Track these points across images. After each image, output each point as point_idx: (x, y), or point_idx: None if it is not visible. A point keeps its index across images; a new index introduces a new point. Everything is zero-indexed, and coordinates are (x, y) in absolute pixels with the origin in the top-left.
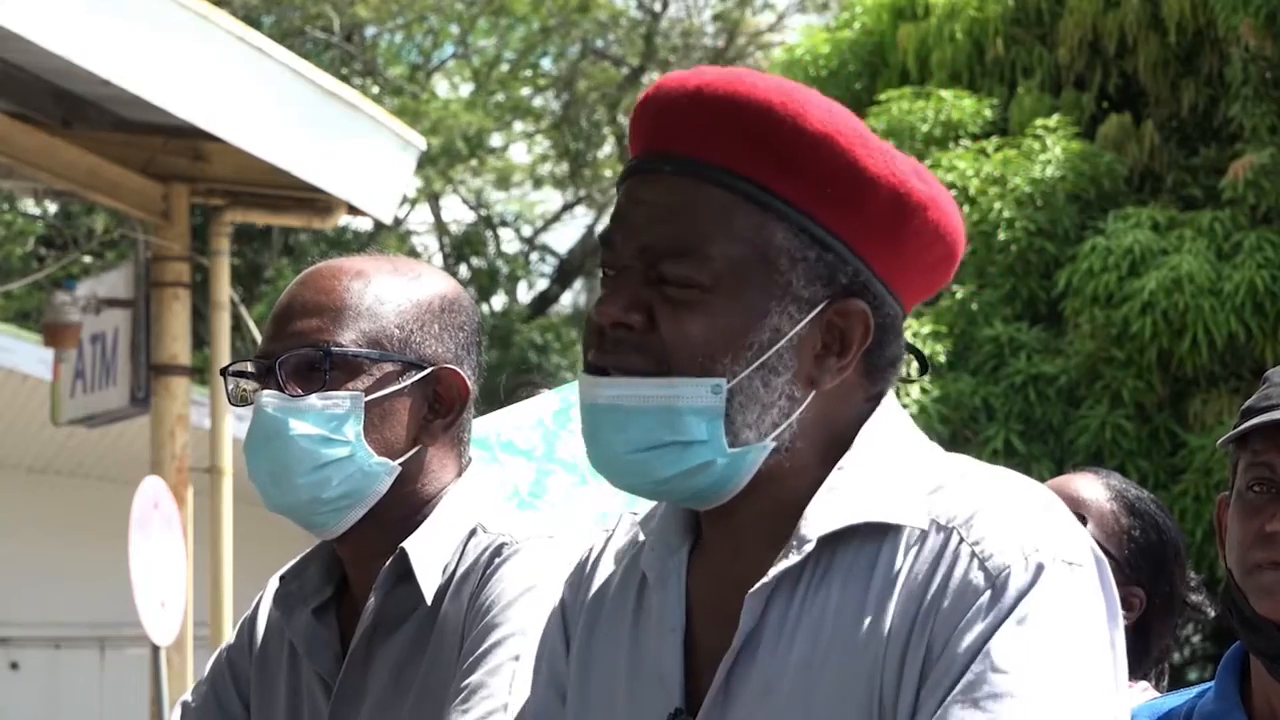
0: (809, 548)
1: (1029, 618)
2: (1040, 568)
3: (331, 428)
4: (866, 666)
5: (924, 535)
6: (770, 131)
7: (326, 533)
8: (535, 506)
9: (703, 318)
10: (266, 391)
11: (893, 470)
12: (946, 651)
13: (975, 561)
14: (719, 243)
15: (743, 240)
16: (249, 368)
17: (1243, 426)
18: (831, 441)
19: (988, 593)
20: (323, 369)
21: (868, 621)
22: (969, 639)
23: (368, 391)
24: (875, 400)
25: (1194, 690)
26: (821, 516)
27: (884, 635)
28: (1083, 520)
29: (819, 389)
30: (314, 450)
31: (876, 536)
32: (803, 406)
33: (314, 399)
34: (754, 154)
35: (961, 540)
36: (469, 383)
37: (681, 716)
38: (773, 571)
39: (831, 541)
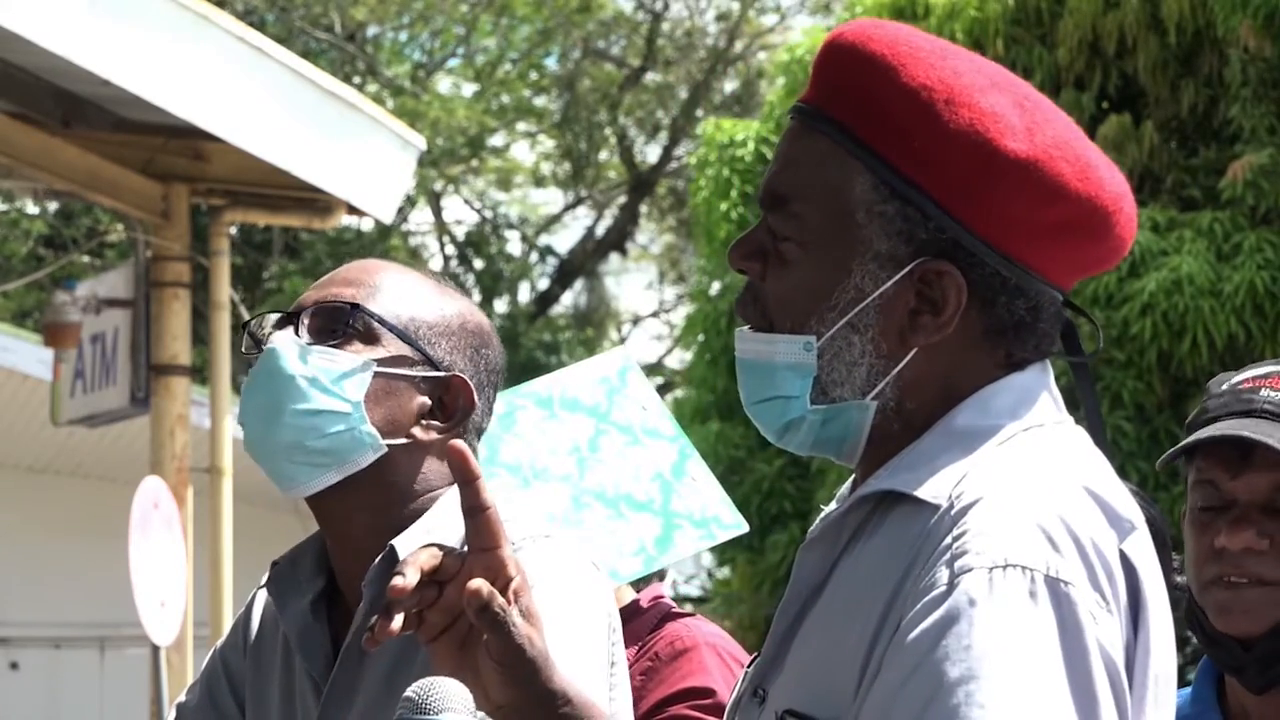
0: (845, 505)
1: (972, 636)
2: (996, 582)
3: (334, 379)
4: (866, 631)
5: (940, 513)
6: (870, 82)
7: (297, 489)
8: None
9: (793, 274)
10: (284, 333)
11: (969, 441)
12: (894, 643)
13: (948, 556)
14: (809, 194)
15: (828, 191)
16: (271, 320)
17: (1182, 444)
18: (949, 408)
19: (940, 591)
20: (345, 326)
21: (878, 589)
22: (911, 637)
23: (380, 364)
24: (1009, 368)
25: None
26: (877, 480)
27: (884, 607)
28: None
29: (916, 346)
30: (311, 393)
31: (914, 506)
32: (901, 364)
33: (325, 348)
34: (852, 103)
35: (952, 528)
36: (476, 400)
37: (755, 659)
38: (820, 527)
39: (885, 504)
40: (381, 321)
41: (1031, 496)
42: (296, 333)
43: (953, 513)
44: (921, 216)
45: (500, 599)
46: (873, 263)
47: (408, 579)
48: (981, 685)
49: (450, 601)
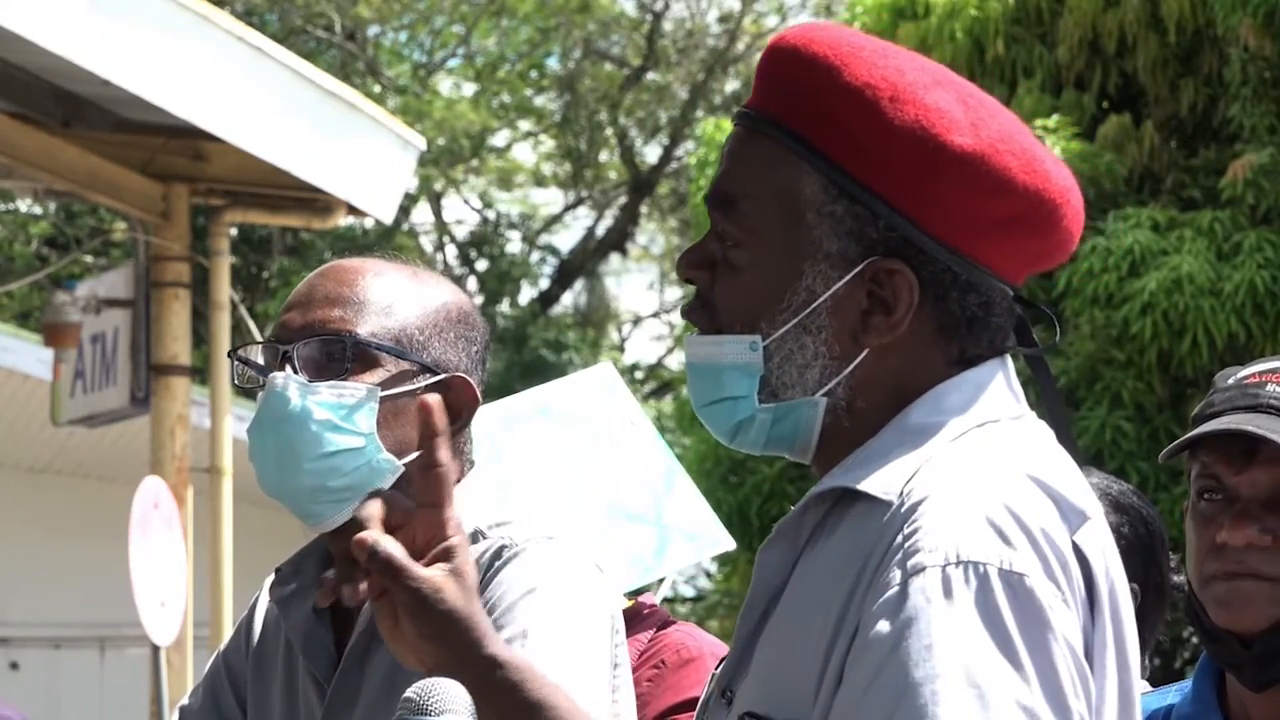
0: (800, 505)
1: (929, 635)
2: (951, 579)
3: (343, 416)
4: (823, 631)
5: (892, 510)
6: (811, 83)
7: (322, 524)
8: None
9: (743, 279)
10: (282, 373)
11: (921, 438)
12: (855, 646)
13: (901, 554)
14: (757, 197)
15: (777, 193)
16: (259, 353)
17: (1186, 437)
18: (900, 407)
19: (895, 591)
20: (343, 358)
21: (835, 589)
22: (870, 637)
23: (383, 386)
24: (963, 364)
25: (1171, 688)
26: (830, 478)
27: (840, 606)
28: None
29: (868, 347)
30: (325, 436)
31: (870, 504)
32: (853, 365)
33: (331, 386)
34: (797, 105)
35: (903, 525)
36: (478, 393)
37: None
38: (776, 527)
39: (842, 503)
40: (380, 347)
41: (980, 491)
42: (293, 368)
43: (903, 510)
44: (871, 215)
45: (388, 548)
46: (824, 263)
47: (376, 534)
48: (947, 683)
49: None
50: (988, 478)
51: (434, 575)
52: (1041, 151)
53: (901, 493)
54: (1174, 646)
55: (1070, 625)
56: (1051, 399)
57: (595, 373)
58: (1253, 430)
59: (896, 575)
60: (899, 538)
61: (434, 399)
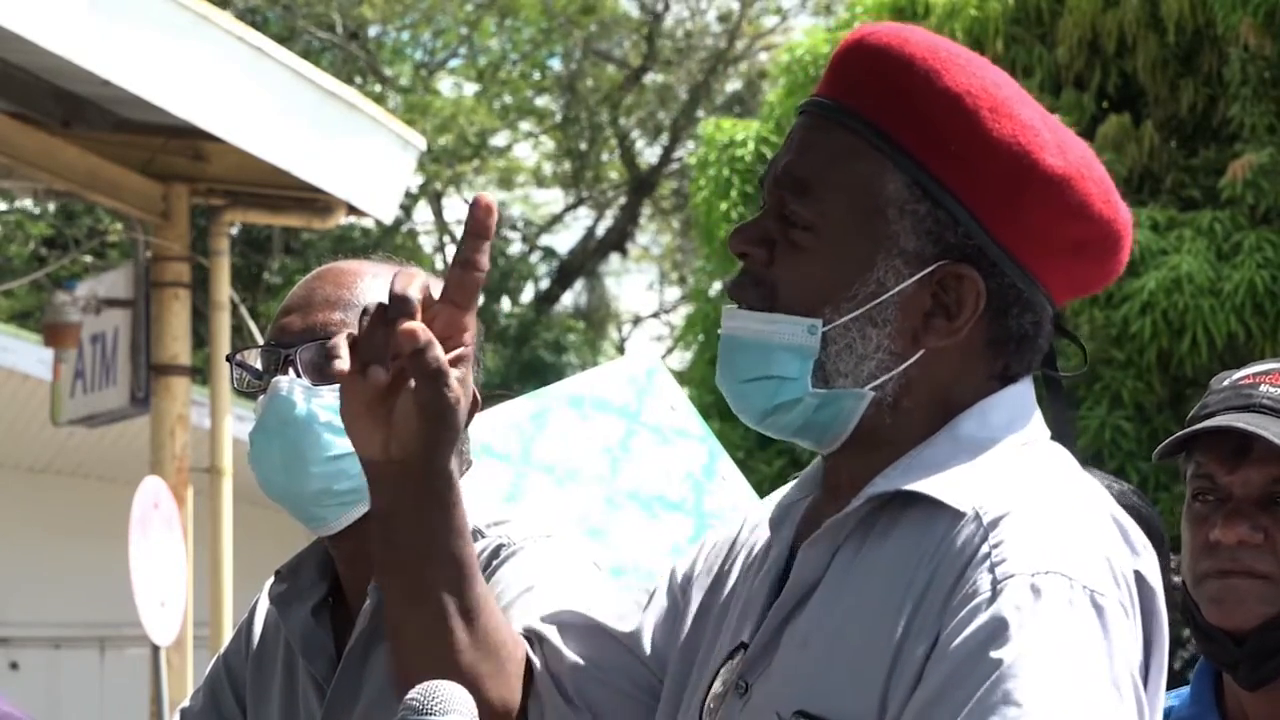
0: (856, 503)
1: (1019, 638)
2: (1041, 588)
3: None
4: (890, 633)
5: (966, 521)
6: (904, 83)
7: (325, 528)
8: None
9: (811, 262)
10: (286, 377)
11: (974, 452)
12: (939, 649)
13: (987, 564)
14: (835, 185)
15: (858, 186)
16: (256, 356)
17: (1178, 434)
18: (945, 413)
19: (985, 597)
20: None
21: (897, 591)
22: (957, 642)
23: None
24: (1004, 380)
25: (1170, 693)
26: (886, 479)
27: (909, 610)
28: None
29: (926, 347)
30: (331, 440)
31: (932, 510)
32: (908, 362)
33: (334, 389)
34: (886, 104)
35: (985, 537)
36: (477, 394)
37: (740, 651)
38: (826, 524)
39: (894, 505)
40: None
41: (1063, 513)
42: (296, 372)
43: (985, 522)
44: (951, 220)
45: (438, 351)
46: (898, 259)
47: (430, 336)
48: (1022, 683)
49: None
50: (1067, 501)
51: (457, 386)
52: (1111, 182)
53: (974, 505)
54: (1173, 647)
55: (1134, 652)
56: (1064, 424)
57: (634, 360)
58: (1244, 427)
59: (985, 581)
60: (985, 547)
61: (489, 199)
